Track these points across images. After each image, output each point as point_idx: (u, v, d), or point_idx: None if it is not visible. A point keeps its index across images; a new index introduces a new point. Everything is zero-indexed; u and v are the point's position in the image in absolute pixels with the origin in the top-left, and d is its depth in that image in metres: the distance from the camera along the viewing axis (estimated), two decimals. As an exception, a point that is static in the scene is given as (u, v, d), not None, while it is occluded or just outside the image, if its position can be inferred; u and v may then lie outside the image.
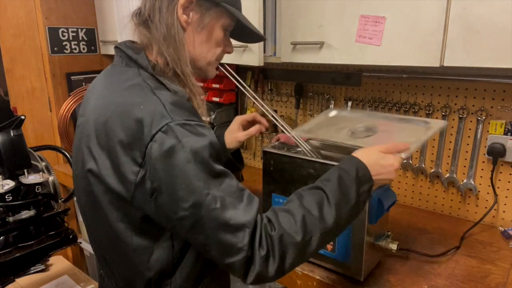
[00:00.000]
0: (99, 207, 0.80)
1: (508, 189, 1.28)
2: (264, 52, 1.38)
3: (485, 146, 1.27)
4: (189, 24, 0.82)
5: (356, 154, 0.84)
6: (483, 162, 1.31)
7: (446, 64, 1.02)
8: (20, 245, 1.17)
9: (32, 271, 1.34)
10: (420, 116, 1.40)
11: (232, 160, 1.14)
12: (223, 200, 0.70)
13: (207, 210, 0.68)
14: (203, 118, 0.82)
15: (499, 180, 1.29)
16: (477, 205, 1.35)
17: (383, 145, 0.87)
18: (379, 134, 1.05)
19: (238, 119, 1.17)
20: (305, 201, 0.76)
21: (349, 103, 1.55)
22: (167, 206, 0.71)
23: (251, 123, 1.18)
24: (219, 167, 0.72)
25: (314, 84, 1.66)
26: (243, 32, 0.92)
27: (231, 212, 0.69)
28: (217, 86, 1.83)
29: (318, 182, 0.80)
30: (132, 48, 0.83)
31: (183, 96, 0.79)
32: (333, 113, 1.25)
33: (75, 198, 2.13)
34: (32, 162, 1.26)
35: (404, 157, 0.87)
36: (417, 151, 1.43)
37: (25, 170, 1.19)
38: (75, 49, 2.04)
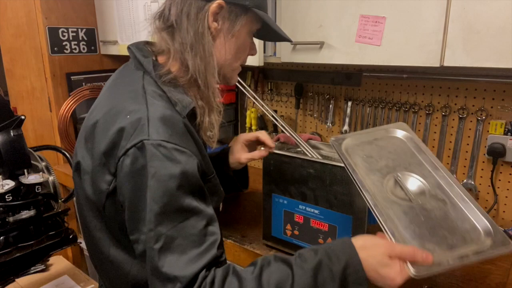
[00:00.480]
0: (82, 212, 0.79)
1: (508, 189, 1.28)
2: (264, 52, 1.38)
3: (485, 146, 1.27)
4: (218, 31, 0.78)
5: (355, 242, 0.67)
6: (483, 162, 1.31)
7: (446, 64, 1.02)
8: (20, 245, 1.17)
9: (32, 271, 1.34)
10: (420, 117, 1.40)
11: (234, 180, 1.07)
12: (170, 241, 0.63)
13: (145, 246, 0.64)
14: (214, 135, 0.79)
15: (499, 180, 1.29)
16: (477, 205, 1.35)
17: (394, 245, 0.67)
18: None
19: (241, 138, 1.06)
20: (265, 274, 0.63)
21: (349, 103, 1.55)
22: (127, 223, 0.68)
23: (256, 142, 1.06)
24: (188, 201, 0.65)
25: (314, 84, 1.66)
26: (267, 32, 0.88)
27: (170, 258, 0.62)
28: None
29: (295, 257, 0.67)
30: (143, 50, 0.81)
31: (186, 106, 0.74)
32: (399, 133, 0.96)
33: (75, 198, 2.14)
34: (32, 162, 1.26)
35: (414, 274, 0.63)
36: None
37: (25, 170, 1.19)
38: (75, 49, 2.04)
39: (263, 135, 1.03)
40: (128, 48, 0.83)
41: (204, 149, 0.78)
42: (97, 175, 0.71)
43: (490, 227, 0.73)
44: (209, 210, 0.69)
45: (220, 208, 0.85)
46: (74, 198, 2.04)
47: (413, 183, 0.81)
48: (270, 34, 0.89)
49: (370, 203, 0.75)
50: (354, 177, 0.79)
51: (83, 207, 0.78)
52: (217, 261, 0.66)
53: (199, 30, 0.75)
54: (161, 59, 0.81)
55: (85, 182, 0.74)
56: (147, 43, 0.84)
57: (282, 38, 0.90)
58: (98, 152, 0.70)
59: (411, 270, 0.63)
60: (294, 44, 1.29)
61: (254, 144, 1.07)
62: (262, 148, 1.04)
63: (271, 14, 1.36)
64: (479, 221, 0.75)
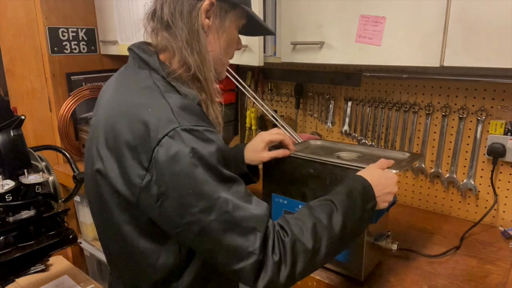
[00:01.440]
0: (107, 208, 0.79)
1: (508, 189, 1.28)
2: (264, 52, 1.38)
3: (485, 146, 1.27)
4: (210, 28, 0.81)
5: (360, 173, 0.88)
6: (483, 162, 1.31)
7: (446, 64, 1.02)
8: (20, 245, 1.17)
9: (32, 271, 1.34)
10: (420, 117, 1.40)
11: (248, 174, 1.13)
12: (234, 202, 0.69)
13: (218, 213, 0.68)
14: (219, 124, 0.83)
15: (499, 180, 1.29)
16: (477, 205, 1.35)
17: (375, 163, 0.92)
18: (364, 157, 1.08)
19: (265, 138, 1.10)
20: (315, 211, 0.77)
21: (349, 103, 1.55)
22: (174, 211, 0.70)
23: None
24: (227, 172, 0.72)
25: (314, 84, 1.66)
26: (252, 28, 0.92)
27: (242, 214, 0.69)
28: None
29: (327, 195, 0.82)
30: (145, 50, 0.82)
31: (194, 99, 0.78)
32: (317, 142, 1.24)
33: (75, 198, 2.13)
34: (32, 162, 1.26)
35: (395, 172, 0.91)
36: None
37: (25, 170, 1.19)
38: (75, 49, 2.04)
39: (287, 139, 1.10)
40: (129, 49, 0.84)
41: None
42: (128, 171, 0.71)
43: (407, 154, 1.09)
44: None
45: None
46: (74, 198, 2.03)
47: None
48: (254, 29, 0.93)
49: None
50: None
51: (107, 204, 0.78)
52: (270, 211, 0.75)
53: (194, 27, 0.78)
54: (162, 57, 0.82)
55: (113, 180, 0.74)
56: (146, 43, 0.85)
57: (267, 31, 0.96)
58: (124, 149, 0.71)
59: (393, 171, 0.91)
60: (294, 44, 1.29)
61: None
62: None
63: (272, 14, 1.36)
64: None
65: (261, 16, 1.28)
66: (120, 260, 0.86)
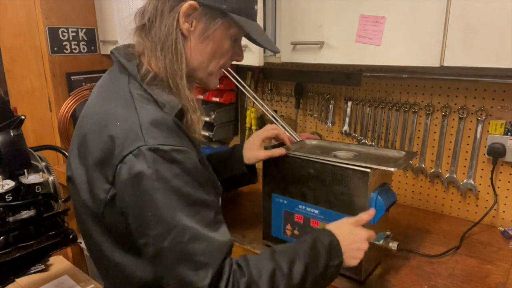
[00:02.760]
0: (81, 218, 0.79)
1: (508, 189, 1.28)
2: (264, 52, 1.38)
3: (485, 146, 1.27)
4: (191, 32, 0.77)
5: (330, 226, 0.85)
6: (483, 162, 1.31)
7: (446, 64, 1.02)
8: (20, 245, 1.17)
9: (32, 271, 1.34)
10: (420, 117, 1.40)
11: (247, 174, 1.11)
12: (193, 232, 0.66)
13: (172, 242, 0.65)
14: (199, 135, 0.80)
15: (499, 180, 1.29)
16: (477, 205, 1.35)
17: (351, 218, 0.88)
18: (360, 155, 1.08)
19: (261, 135, 1.10)
20: (277, 256, 0.74)
21: (349, 103, 1.55)
22: (133, 229, 0.69)
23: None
24: (198, 194, 0.68)
25: (314, 84, 1.66)
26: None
27: (197, 247, 0.66)
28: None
29: (293, 242, 0.81)
30: (126, 54, 0.80)
31: (173, 107, 0.74)
32: (313, 142, 1.23)
33: (72, 204, 2.13)
34: (32, 162, 1.26)
35: (393, 170, 0.91)
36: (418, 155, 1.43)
37: (25, 170, 1.19)
38: (75, 49, 2.04)
39: (282, 133, 1.09)
40: (111, 52, 0.82)
41: (198, 145, 0.79)
42: (94, 184, 0.71)
43: (403, 152, 1.08)
44: (215, 200, 0.74)
45: (220, 203, 0.85)
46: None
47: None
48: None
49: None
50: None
51: (82, 214, 0.78)
52: (232, 247, 0.72)
53: (169, 29, 0.75)
54: (143, 58, 0.79)
55: (82, 191, 0.74)
56: (129, 46, 0.83)
57: (266, 47, 0.87)
58: (92, 161, 0.71)
59: (391, 169, 0.90)
60: (294, 44, 1.29)
61: (269, 141, 1.13)
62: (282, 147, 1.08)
63: (271, 14, 1.36)
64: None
65: (261, 17, 1.28)
66: (100, 269, 0.85)
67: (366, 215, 0.89)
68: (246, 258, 0.73)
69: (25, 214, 1.18)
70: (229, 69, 1.06)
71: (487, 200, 1.32)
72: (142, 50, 0.78)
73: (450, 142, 1.36)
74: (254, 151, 1.09)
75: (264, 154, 1.07)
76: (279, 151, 1.05)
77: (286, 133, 1.16)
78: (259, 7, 1.26)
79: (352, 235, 0.83)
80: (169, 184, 0.66)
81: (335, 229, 0.83)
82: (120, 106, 0.72)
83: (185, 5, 0.73)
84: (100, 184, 0.70)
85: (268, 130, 1.11)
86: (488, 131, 1.27)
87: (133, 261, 0.75)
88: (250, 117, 1.83)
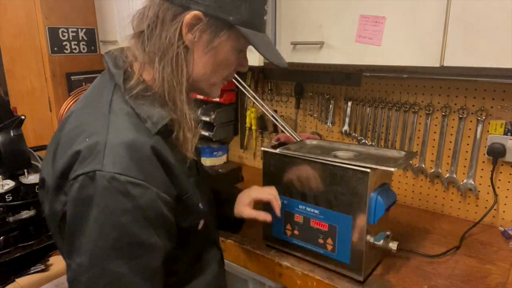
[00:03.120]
0: (49, 224, 0.76)
1: (508, 189, 1.28)
2: (264, 52, 1.37)
3: (485, 146, 1.27)
4: (195, 44, 0.72)
5: None
6: (483, 162, 1.31)
7: (446, 64, 1.02)
8: (20, 245, 1.17)
9: (32, 271, 1.34)
10: (420, 117, 1.40)
11: (231, 223, 1.08)
12: (117, 279, 0.61)
13: (88, 280, 0.61)
14: (191, 154, 0.74)
15: (499, 180, 1.29)
16: (477, 205, 1.35)
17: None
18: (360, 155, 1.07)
19: (253, 194, 1.05)
20: None
21: (349, 103, 1.55)
22: (66, 246, 0.66)
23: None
24: (144, 236, 0.63)
25: (314, 84, 1.66)
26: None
27: None
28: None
29: None
30: (116, 59, 0.75)
31: (157, 122, 0.69)
32: (313, 142, 1.22)
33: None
34: (32, 162, 1.26)
35: (393, 169, 0.92)
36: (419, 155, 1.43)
37: (25, 170, 1.19)
38: (75, 49, 2.04)
39: (274, 202, 1.02)
40: (103, 56, 0.78)
41: (180, 169, 0.73)
42: (55, 195, 0.68)
43: (403, 152, 1.09)
44: (169, 244, 0.69)
45: (200, 226, 0.82)
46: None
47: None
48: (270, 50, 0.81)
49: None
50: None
51: (49, 219, 0.75)
52: None
53: (171, 40, 0.69)
54: (136, 66, 0.74)
55: (46, 199, 0.72)
56: (123, 50, 0.78)
57: (275, 60, 0.80)
58: (56, 171, 0.67)
59: (391, 169, 0.92)
60: (294, 44, 1.29)
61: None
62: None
63: (271, 14, 1.36)
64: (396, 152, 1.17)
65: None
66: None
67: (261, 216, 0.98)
68: None
69: (25, 214, 1.18)
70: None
71: (487, 200, 1.32)
72: (136, 58, 0.73)
73: (450, 142, 1.36)
74: (240, 206, 1.06)
75: (247, 213, 1.04)
76: (264, 216, 1.03)
77: (286, 133, 1.16)
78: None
79: None
80: (114, 218, 0.61)
81: None
82: (95, 121, 0.68)
83: (189, 15, 0.69)
84: (59, 195, 0.67)
85: (265, 193, 1.05)
86: (488, 131, 1.27)
87: None
88: (250, 117, 1.84)
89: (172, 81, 0.71)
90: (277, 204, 1.03)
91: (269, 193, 1.04)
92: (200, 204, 0.80)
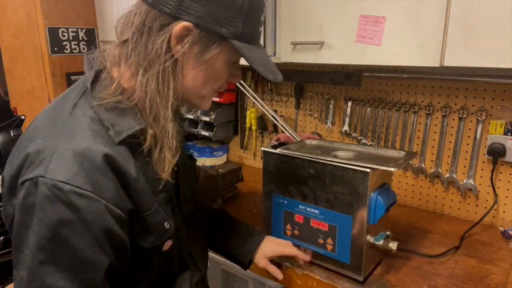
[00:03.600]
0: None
1: (508, 189, 1.28)
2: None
3: (485, 146, 1.27)
4: (184, 56, 0.66)
5: None
6: (483, 162, 1.31)
7: (446, 64, 1.02)
8: (20, 245, 1.17)
9: (32, 271, 1.33)
10: (420, 117, 1.40)
11: (242, 264, 1.04)
12: None
13: None
14: (166, 175, 0.68)
15: (499, 180, 1.29)
16: (477, 205, 1.35)
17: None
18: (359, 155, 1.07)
19: (276, 250, 1.03)
20: None
21: (349, 103, 1.55)
22: (12, 254, 0.63)
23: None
24: (88, 251, 0.58)
25: (314, 84, 1.66)
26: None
27: None
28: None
29: None
30: (93, 60, 0.71)
31: (121, 132, 0.65)
32: (313, 142, 1.22)
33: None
34: (32, 162, 1.25)
35: (393, 169, 0.92)
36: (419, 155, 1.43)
37: (25, 170, 1.19)
38: (75, 49, 2.04)
39: (301, 255, 1.02)
40: (84, 55, 0.74)
41: (144, 185, 0.68)
42: (8, 197, 0.65)
43: (403, 152, 1.09)
44: (118, 263, 0.64)
45: (166, 248, 0.75)
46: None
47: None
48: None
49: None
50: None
51: (5, 222, 0.71)
52: None
53: (157, 52, 0.64)
54: (115, 70, 0.69)
55: (2, 200, 0.67)
56: (104, 50, 0.73)
57: (269, 76, 0.73)
58: (10, 173, 0.64)
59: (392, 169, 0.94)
60: (294, 44, 1.29)
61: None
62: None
63: (271, 14, 1.36)
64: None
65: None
66: None
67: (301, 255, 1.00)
68: None
69: (25, 214, 1.18)
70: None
71: (487, 200, 1.32)
72: (117, 63, 0.69)
73: (450, 142, 1.36)
74: (261, 258, 1.02)
75: (263, 263, 1.02)
76: (276, 273, 1.02)
77: (286, 133, 1.16)
78: (259, 7, 1.26)
79: None
80: (52, 229, 0.56)
81: None
82: (51, 123, 0.64)
83: (179, 26, 0.64)
84: (10, 198, 0.63)
85: (289, 249, 1.03)
86: (488, 131, 1.27)
87: None
88: (250, 117, 1.84)
89: (156, 97, 0.66)
90: (304, 256, 1.03)
91: (291, 249, 1.03)
92: (166, 224, 0.73)
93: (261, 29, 0.73)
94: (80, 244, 0.58)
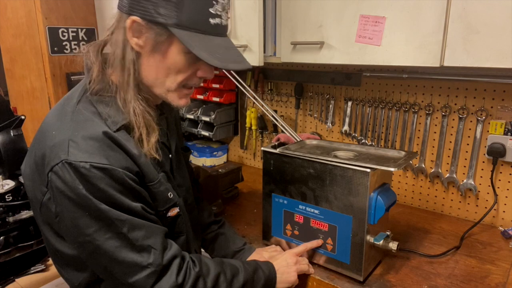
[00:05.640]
0: (32, 206, 0.85)
1: (508, 189, 1.28)
2: (264, 52, 1.38)
3: (485, 146, 1.27)
4: (142, 47, 0.76)
5: (272, 260, 0.99)
6: (483, 162, 1.31)
7: (446, 64, 1.02)
8: (20, 245, 1.17)
9: (32, 271, 1.34)
10: (420, 117, 1.40)
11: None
12: (132, 226, 0.74)
13: (113, 232, 0.73)
14: (148, 150, 0.78)
15: (499, 180, 1.29)
16: (477, 205, 1.35)
17: (295, 249, 1.04)
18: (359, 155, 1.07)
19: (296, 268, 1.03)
20: (224, 264, 0.87)
21: (349, 103, 1.55)
22: (69, 231, 0.75)
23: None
24: (125, 202, 0.73)
25: (314, 84, 1.66)
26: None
27: (138, 233, 0.74)
28: (217, 86, 1.83)
29: (238, 260, 0.93)
30: (90, 59, 0.81)
31: (117, 122, 0.76)
32: (313, 142, 1.22)
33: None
34: (32, 162, 1.25)
35: (393, 169, 0.94)
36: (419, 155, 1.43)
37: (25, 170, 1.19)
38: (75, 49, 2.03)
39: (311, 270, 1.06)
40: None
41: (144, 158, 0.79)
42: (35, 184, 0.77)
43: (403, 152, 1.09)
44: (147, 210, 0.78)
45: (171, 213, 0.88)
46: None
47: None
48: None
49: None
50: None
51: (32, 203, 0.84)
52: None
53: (118, 43, 0.77)
54: (108, 71, 0.81)
55: (27, 187, 0.82)
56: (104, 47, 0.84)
57: (222, 64, 0.76)
58: (34, 162, 0.77)
59: (391, 169, 0.94)
60: (294, 44, 1.29)
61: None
62: None
63: (271, 14, 1.36)
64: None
65: (261, 16, 1.28)
66: (50, 256, 0.90)
67: (310, 245, 1.04)
68: (200, 257, 0.85)
69: (25, 214, 1.18)
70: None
71: (487, 200, 1.32)
72: (107, 59, 0.80)
73: (450, 142, 1.36)
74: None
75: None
76: None
77: (286, 133, 1.16)
78: (259, 7, 1.27)
79: (287, 268, 0.98)
80: (97, 194, 0.71)
81: (276, 263, 0.98)
82: (61, 117, 0.77)
83: (129, 20, 0.73)
84: (39, 185, 0.76)
85: (304, 265, 1.04)
86: (488, 131, 1.27)
87: (74, 253, 0.80)
88: (250, 117, 1.84)
89: (120, 81, 0.78)
90: (312, 271, 1.06)
91: (306, 263, 1.05)
92: (170, 194, 0.86)
93: (215, 21, 0.75)
94: (120, 198, 0.73)
